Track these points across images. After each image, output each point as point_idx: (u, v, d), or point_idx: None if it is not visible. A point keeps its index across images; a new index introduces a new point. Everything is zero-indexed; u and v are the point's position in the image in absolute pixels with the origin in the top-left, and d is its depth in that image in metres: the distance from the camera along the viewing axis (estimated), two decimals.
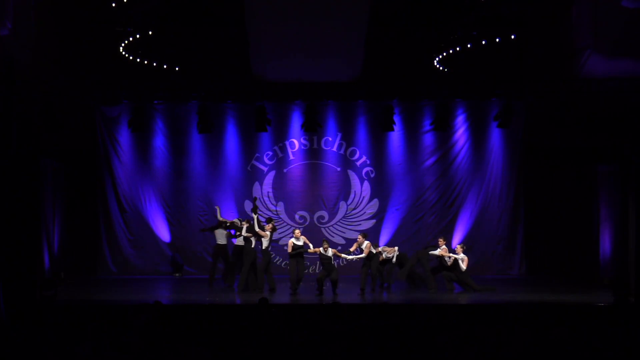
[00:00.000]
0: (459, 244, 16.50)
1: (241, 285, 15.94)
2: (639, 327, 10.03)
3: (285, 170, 19.26)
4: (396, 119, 18.41)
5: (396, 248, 16.79)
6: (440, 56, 16.43)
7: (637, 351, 8.07)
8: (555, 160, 18.66)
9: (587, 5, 15.55)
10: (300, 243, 15.84)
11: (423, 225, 19.07)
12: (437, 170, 19.21)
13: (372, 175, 19.25)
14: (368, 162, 19.25)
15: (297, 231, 16.12)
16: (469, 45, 15.59)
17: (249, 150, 19.22)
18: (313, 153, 19.32)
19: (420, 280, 16.82)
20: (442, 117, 18.21)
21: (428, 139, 19.21)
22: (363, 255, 15.94)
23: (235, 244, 16.59)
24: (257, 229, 15.89)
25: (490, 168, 19.16)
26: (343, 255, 16.11)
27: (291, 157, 19.28)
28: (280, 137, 19.23)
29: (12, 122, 14.09)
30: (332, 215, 19.20)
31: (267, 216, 17.43)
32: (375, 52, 17.08)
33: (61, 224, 17.72)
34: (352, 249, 16.32)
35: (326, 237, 18.91)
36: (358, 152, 19.26)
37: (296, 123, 19.01)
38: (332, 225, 19.18)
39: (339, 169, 19.28)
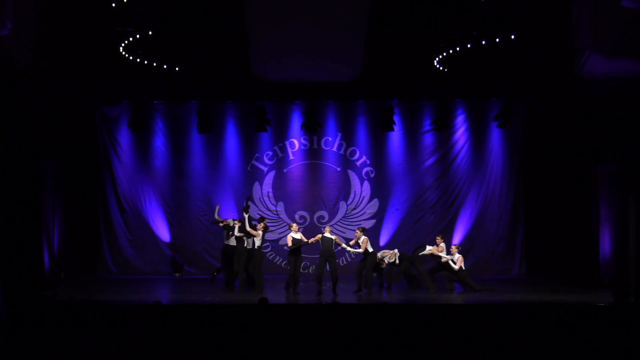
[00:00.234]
0: (454, 245, 16.49)
1: (241, 285, 15.94)
2: (639, 327, 10.02)
3: (285, 170, 19.27)
4: (396, 119, 18.41)
5: (395, 251, 16.70)
6: (440, 56, 16.43)
7: (637, 351, 8.07)
8: (555, 160, 18.66)
9: (587, 5, 15.55)
10: (298, 237, 15.86)
11: (423, 225, 19.07)
12: (437, 170, 19.21)
13: (372, 175, 19.25)
14: (368, 162, 19.25)
15: (294, 225, 16.11)
16: (469, 45, 15.59)
17: (249, 150, 19.22)
18: (313, 153, 19.32)
19: (417, 280, 16.85)
20: (442, 117, 18.21)
21: (428, 139, 19.21)
22: (361, 250, 15.92)
23: (227, 243, 16.59)
24: (248, 228, 15.88)
25: (490, 168, 19.16)
26: (343, 244, 16.18)
27: (291, 157, 19.28)
28: (280, 137, 19.23)
29: (12, 122, 14.09)
30: (332, 215, 19.20)
31: (260, 216, 17.41)
32: (375, 52, 17.08)
33: (61, 224, 17.71)
34: (351, 243, 16.32)
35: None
36: (358, 152, 19.26)
37: (296, 123, 19.01)
38: (332, 225, 19.14)
39: (339, 169, 19.28)
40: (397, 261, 16.54)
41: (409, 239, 18.91)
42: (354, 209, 19.23)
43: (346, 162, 19.28)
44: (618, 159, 16.37)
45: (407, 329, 8.87)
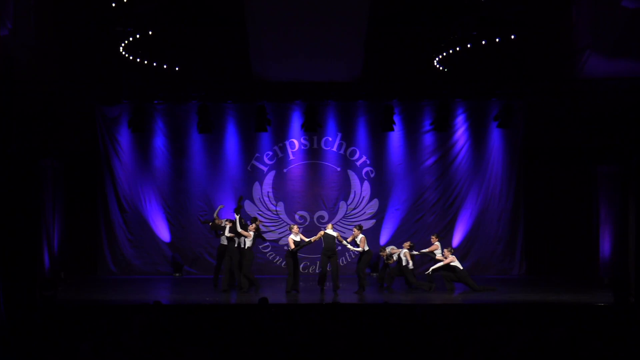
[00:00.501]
0: (446, 249, 16.43)
1: (224, 285, 15.95)
2: (639, 327, 10.02)
3: (285, 170, 19.27)
4: (396, 119, 18.44)
5: (406, 251, 16.63)
6: (440, 56, 16.43)
7: (637, 351, 8.07)
8: (555, 160, 18.66)
9: (587, 5, 15.55)
10: (298, 239, 15.89)
11: (423, 225, 19.06)
12: (437, 170, 19.21)
13: (372, 175, 19.25)
14: (368, 162, 19.26)
15: (295, 227, 16.12)
16: (469, 45, 15.59)
17: (249, 150, 19.22)
18: (313, 153, 19.32)
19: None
20: (442, 117, 18.24)
21: (428, 139, 19.21)
22: (360, 249, 15.99)
23: (221, 243, 16.63)
24: (239, 229, 15.90)
25: (490, 168, 19.16)
26: (344, 242, 16.21)
27: (291, 157, 19.28)
28: (280, 137, 19.23)
29: (12, 122, 14.09)
30: (332, 215, 19.20)
31: (253, 216, 17.42)
32: (375, 52, 17.07)
33: (61, 224, 17.71)
34: (349, 240, 16.39)
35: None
36: (358, 152, 19.26)
37: (296, 123, 19.02)
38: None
39: (339, 169, 19.28)
40: (409, 262, 16.46)
41: (409, 239, 18.79)
42: (354, 209, 19.23)
43: (346, 162, 19.28)
44: (618, 159, 16.37)
45: (407, 329, 8.87)
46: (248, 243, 15.99)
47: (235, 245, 16.01)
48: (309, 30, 15.70)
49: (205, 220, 17.40)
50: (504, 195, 19.12)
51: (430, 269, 16.14)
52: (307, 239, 16.00)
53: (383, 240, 19.08)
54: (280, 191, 19.23)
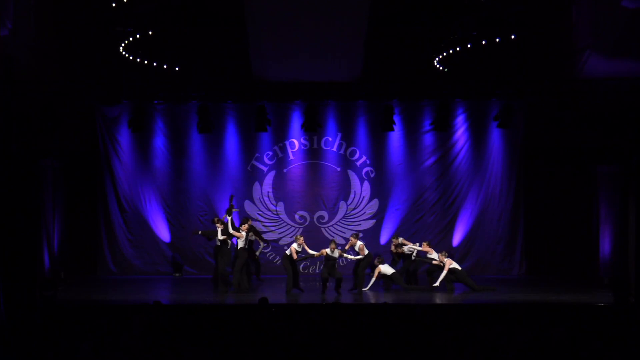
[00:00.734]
0: (440, 253, 16.40)
1: (236, 286, 15.97)
2: (639, 327, 10.03)
3: (285, 170, 19.27)
4: (396, 119, 18.44)
5: (417, 245, 16.77)
6: (440, 56, 16.42)
7: (637, 351, 8.07)
8: (555, 160, 18.66)
9: (587, 5, 15.54)
10: (300, 249, 16.00)
11: (423, 225, 19.06)
12: (437, 170, 19.21)
13: (372, 175, 19.25)
14: (368, 162, 19.25)
15: (301, 239, 16.16)
16: (469, 45, 15.59)
17: (249, 150, 19.22)
18: (313, 153, 19.32)
19: (416, 281, 16.93)
20: (442, 117, 18.24)
21: (428, 139, 19.21)
22: (361, 256, 16.08)
23: (216, 244, 16.67)
24: (230, 230, 15.94)
25: (490, 168, 19.15)
26: (345, 255, 16.28)
27: (291, 157, 19.28)
28: (280, 137, 19.23)
29: (12, 122, 14.09)
30: (332, 215, 19.20)
31: (244, 216, 17.45)
32: (375, 52, 17.07)
33: (61, 224, 17.71)
34: (346, 248, 16.45)
35: (326, 237, 18.97)
36: (358, 152, 19.26)
37: (296, 123, 19.02)
38: (332, 225, 19.18)
39: (339, 169, 19.28)
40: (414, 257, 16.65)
41: (409, 239, 18.80)
42: (354, 209, 19.22)
43: (346, 162, 19.28)
44: (618, 159, 16.37)
45: (407, 329, 8.87)
46: (241, 244, 16.10)
47: (228, 247, 16.09)
48: (309, 30, 15.69)
49: (195, 231, 17.39)
50: (504, 195, 19.11)
51: (438, 282, 16.05)
52: (310, 252, 16.04)
53: (383, 240, 19.09)
54: (280, 191, 19.23)
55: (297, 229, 19.06)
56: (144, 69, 16.59)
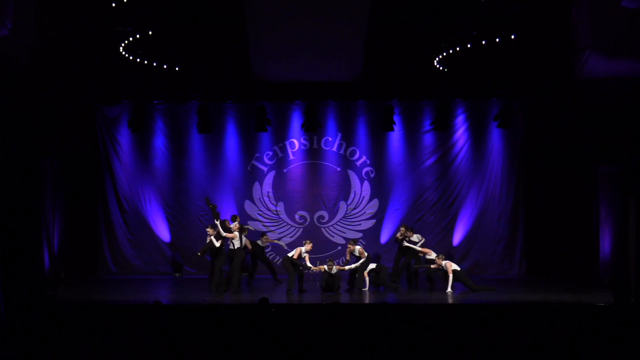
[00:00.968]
0: (437, 256, 16.38)
1: (234, 286, 15.99)
2: (639, 327, 10.03)
3: (285, 170, 19.27)
4: (396, 119, 18.43)
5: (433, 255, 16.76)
6: (440, 56, 16.43)
7: (637, 351, 8.07)
8: (555, 160, 18.65)
9: (587, 5, 15.54)
10: (304, 255, 16.19)
11: (423, 225, 19.03)
12: (437, 170, 19.20)
13: (372, 175, 19.25)
14: (368, 162, 19.25)
15: (310, 245, 16.31)
16: (469, 45, 15.59)
17: (249, 150, 19.22)
18: (313, 153, 19.31)
19: (416, 280, 16.93)
20: (442, 117, 18.23)
21: (428, 139, 19.20)
22: (363, 260, 16.10)
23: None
24: (223, 233, 15.99)
25: (490, 168, 19.15)
26: (346, 268, 16.29)
27: (291, 157, 19.28)
28: (280, 137, 19.23)
29: (12, 122, 14.09)
30: (332, 215, 19.20)
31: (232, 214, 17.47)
32: (375, 52, 17.06)
33: (61, 224, 17.71)
34: (347, 259, 16.52)
35: (326, 237, 19.01)
36: (358, 152, 19.25)
37: (296, 123, 19.01)
38: (332, 225, 19.18)
39: (339, 169, 19.28)
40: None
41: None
42: (354, 209, 19.22)
43: (346, 162, 19.27)
44: (618, 159, 16.37)
45: (407, 329, 8.87)
46: (237, 244, 16.17)
47: (223, 247, 16.21)
48: (309, 30, 15.69)
49: (201, 252, 17.16)
50: (504, 195, 19.11)
51: (449, 287, 15.99)
52: (309, 264, 16.18)
53: (383, 240, 19.09)
54: (280, 191, 19.23)
55: (297, 229, 19.06)
56: (144, 69, 16.59)
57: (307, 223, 19.12)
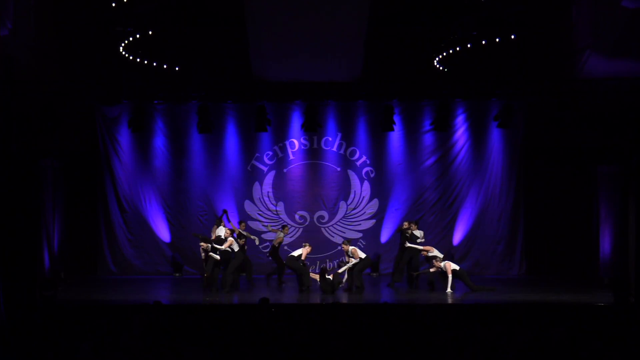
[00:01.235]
0: (435, 260, 16.35)
1: (226, 286, 16.09)
2: (639, 327, 10.03)
3: (285, 170, 19.27)
4: (396, 119, 18.43)
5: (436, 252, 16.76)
6: (440, 56, 16.43)
7: (637, 351, 8.08)
8: (556, 160, 18.65)
9: (587, 5, 15.54)
10: (296, 254, 16.22)
11: (423, 225, 18.97)
12: (437, 170, 19.20)
13: (372, 175, 19.25)
14: (368, 162, 19.25)
15: (308, 247, 16.43)
16: (469, 45, 15.59)
17: (249, 150, 19.22)
18: (313, 153, 19.32)
19: (416, 280, 16.94)
20: (442, 117, 18.23)
21: (428, 139, 19.21)
22: (355, 260, 16.07)
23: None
24: (219, 247, 16.02)
25: (490, 168, 19.15)
26: (340, 271, 16.27)
27: (291, 157, 19.28)
28: (280, 137, 19.23)
29: (12, 122, 14.09)
30: (332, 215, 19.20)
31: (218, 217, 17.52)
32: (375, 52, 17.07)
33: (61, 224, 17.70)
34: (346, 260, 16.47)
35: (326, 237, 19.00)
36: (358, 152, 19.26)
37: (296, 123, 19.02)
38: (332, 225, 19.18)
39: (339, 169, 19.28)
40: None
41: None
42: (354, 209, 19.22)
43: (346, 162, 19.28)
44: (618, 159, 16.36)
45: (407, 329, 8.87)
46: (235, 247, 16.26)
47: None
48: (309, 30, 15.69)
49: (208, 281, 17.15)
50: (504, 195, 19.11)
51: (449, 288, 15.97)
52: (306, 268, 16.33)
53: (383, 240, 19.10)
54: (280, 191, 19.23)
55: (297, 229, 19.07)
56: (144, 69, 16.59)
57: (307, 223, 19.12)
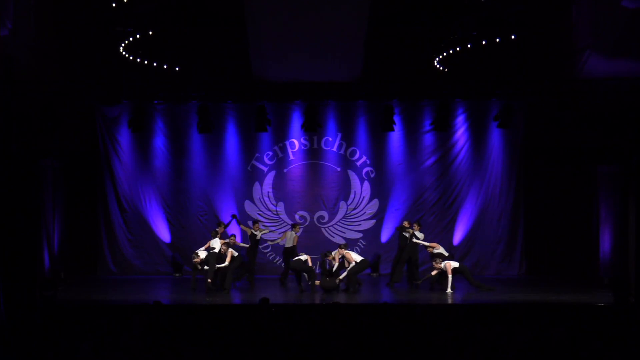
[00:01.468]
0: (434, 261, 16.32)
1: (226, 284, 16.13)
2: (639, 327, 10.03)
3: (285, 170, 19.27)
4: (396, 119, 18.43)
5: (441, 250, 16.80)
6: (440, 56, 16.43)
7: (637, 351, 8.08)
8: (556, 160, 18.65)
9: (587, 5, 15.54)
10: (303, 258, 16.26)
11: (423, 225, 18.93)
12: (437, 170, 19.20)
13: (372, 175, 19.25)
14: (368, 162, 19.25)
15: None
16: (469, 45, 15.59)
17: (249, 150, 19.22)
18: (313, 153, 19.32)
19: (417, 280, 16.93)
20: (442, 117, 18.23)
21: (428, 139, 19.21)
22: (352, 264, 16.05)
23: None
24: (222, 261, 16.13)
25: (490, 168, 19.15)
26: (341, 277, 16.24)
27: (291, 157, 19.28)
28: (280, 137, 19.23)
29: (12, 122, 14.09)
30: (332, 215, 19.20)
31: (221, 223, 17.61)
32: (375, 52, 17.07)
33: (61, 224, 17.71)
34: (346, 265, 16.38)
35: (326, 237, 19.00)
36: (358, 152, 19.26)
37: (296, 123, 19.02)
38: (332, 225, 19.19)
39: (339, 169, 19.28)
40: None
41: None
42: (354, 209, 19.22)
43: (346, 162, 19.27)
44: (618, 159, 16.37)
45: (407, 329, 8.87)
46: (234, 252, 16.31)
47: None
48: (309, 30, 15.69)
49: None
50: (504, 195, 19.11)
51: (449, 288, 15.94)
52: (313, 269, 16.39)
53: (383, 240, 19.09)
54: (280, 191, 19.23)
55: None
56: (144, 69, 16.59)
57: (307, 223, 19.11)
